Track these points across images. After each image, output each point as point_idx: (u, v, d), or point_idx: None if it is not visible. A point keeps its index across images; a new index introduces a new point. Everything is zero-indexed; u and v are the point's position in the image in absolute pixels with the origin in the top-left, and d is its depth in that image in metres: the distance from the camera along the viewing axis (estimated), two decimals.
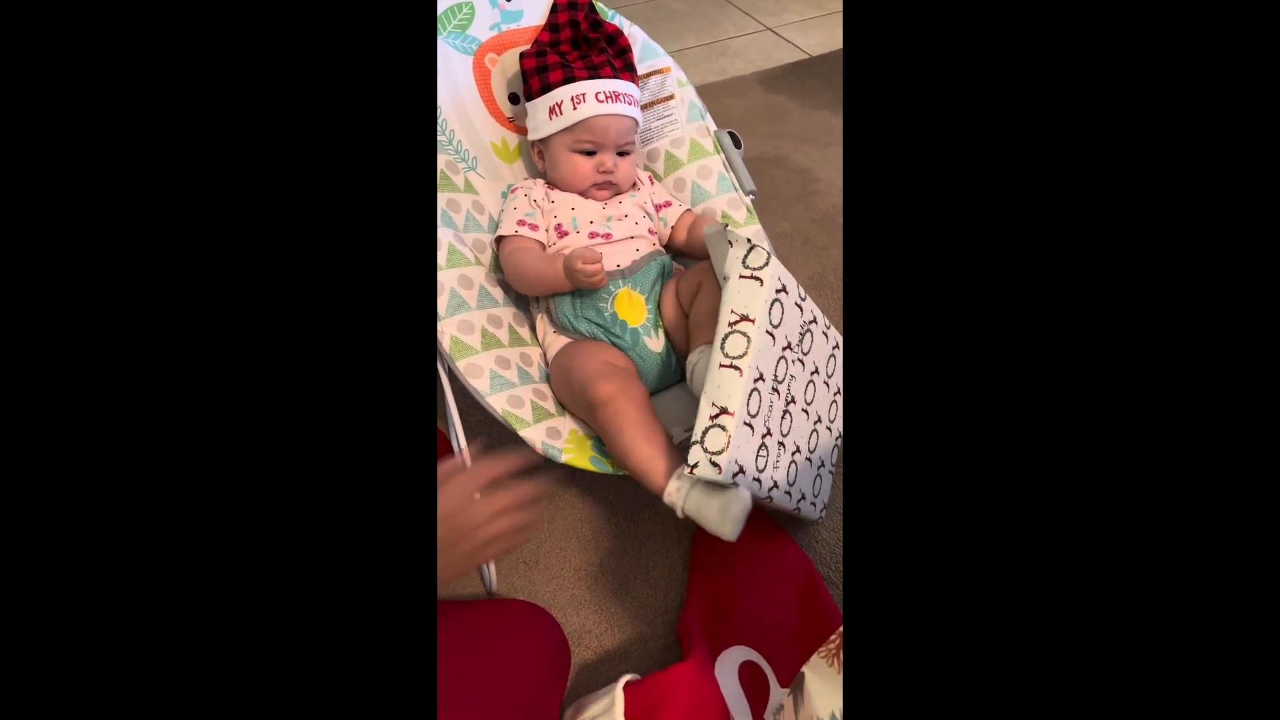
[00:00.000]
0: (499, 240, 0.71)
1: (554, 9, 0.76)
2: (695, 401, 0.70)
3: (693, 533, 0.75)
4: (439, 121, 0.73)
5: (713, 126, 0.80)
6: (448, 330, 0.62)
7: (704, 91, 0.84)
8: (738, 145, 0.79)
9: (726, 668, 0.60)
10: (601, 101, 0.69)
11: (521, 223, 0.70)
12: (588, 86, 0.69)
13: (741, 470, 0.53)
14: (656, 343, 0.71)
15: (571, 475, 0.76)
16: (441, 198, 0.69)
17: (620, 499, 0.78)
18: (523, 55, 0.73)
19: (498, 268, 0.72)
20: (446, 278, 0.64)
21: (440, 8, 0.74)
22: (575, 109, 0.69)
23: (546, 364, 0.71)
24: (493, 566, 0.69)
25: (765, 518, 0.73)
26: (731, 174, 0.79)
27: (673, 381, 0.73)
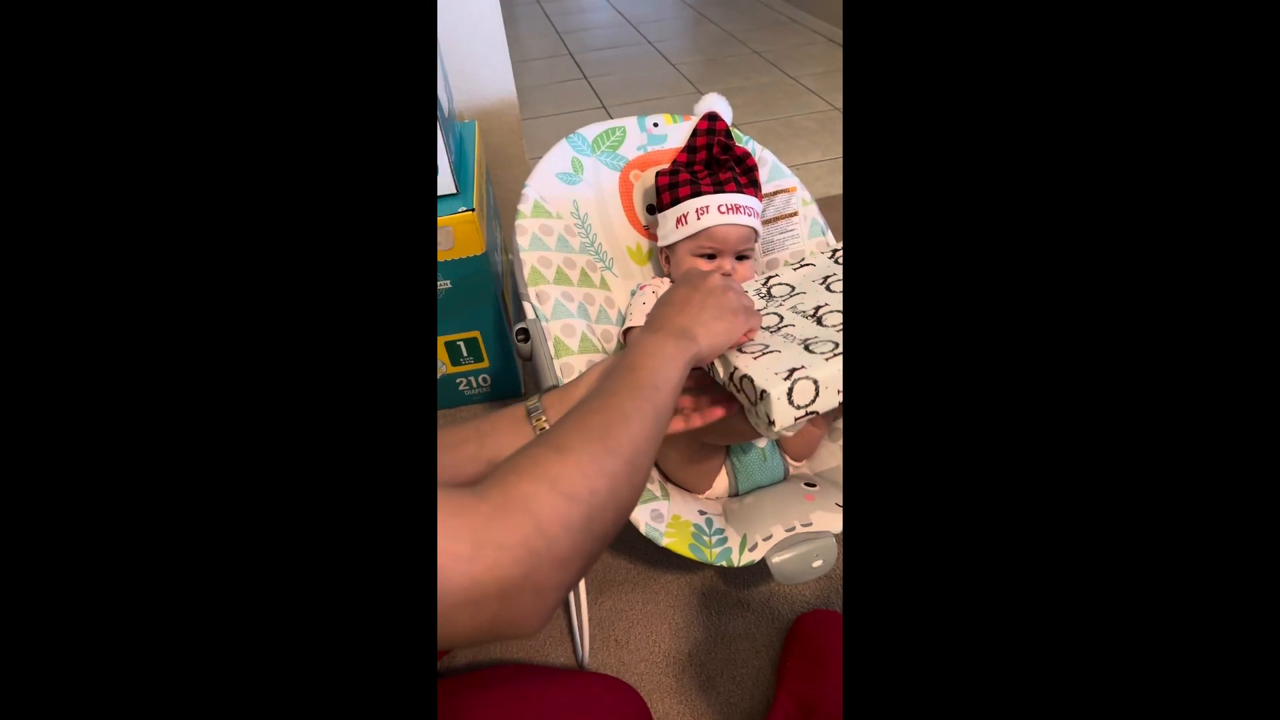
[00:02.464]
0: (626, 331, 0.78)
1: (694, 133, 0.86)
2: (794, 502, 0.71)
3: (783, 638, 0.74)
4: (585, 226, 0.82)
5: (833, 241, 0.85)
6: None
7: (826, 204, 0.90)
8: None
9: None
10: (723, 213, 0.76)
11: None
12: (711, 200, 0.77)
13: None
14: (760, 440, 0.73)
15: (670, 559, 0.79)
16: (579, 292, 0.77)
17: (714, 592, 0.79)
18: (658, 173, 0.82)
19: None
20: (577, 362, 0.71)
21: (597, 131, 0.85)
22: (699, 219, 0.76)
23: None
24: (587, 639, 0.72)
25: None
26: None
27: (772, 480, 0.75)
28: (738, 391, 0.54)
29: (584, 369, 0.71)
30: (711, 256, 0.78)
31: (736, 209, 0.77)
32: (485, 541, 0.32)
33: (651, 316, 0.53)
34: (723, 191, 0.78)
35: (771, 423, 0.50)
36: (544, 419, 0.50)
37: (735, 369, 0.53)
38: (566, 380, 0.70)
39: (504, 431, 0.50)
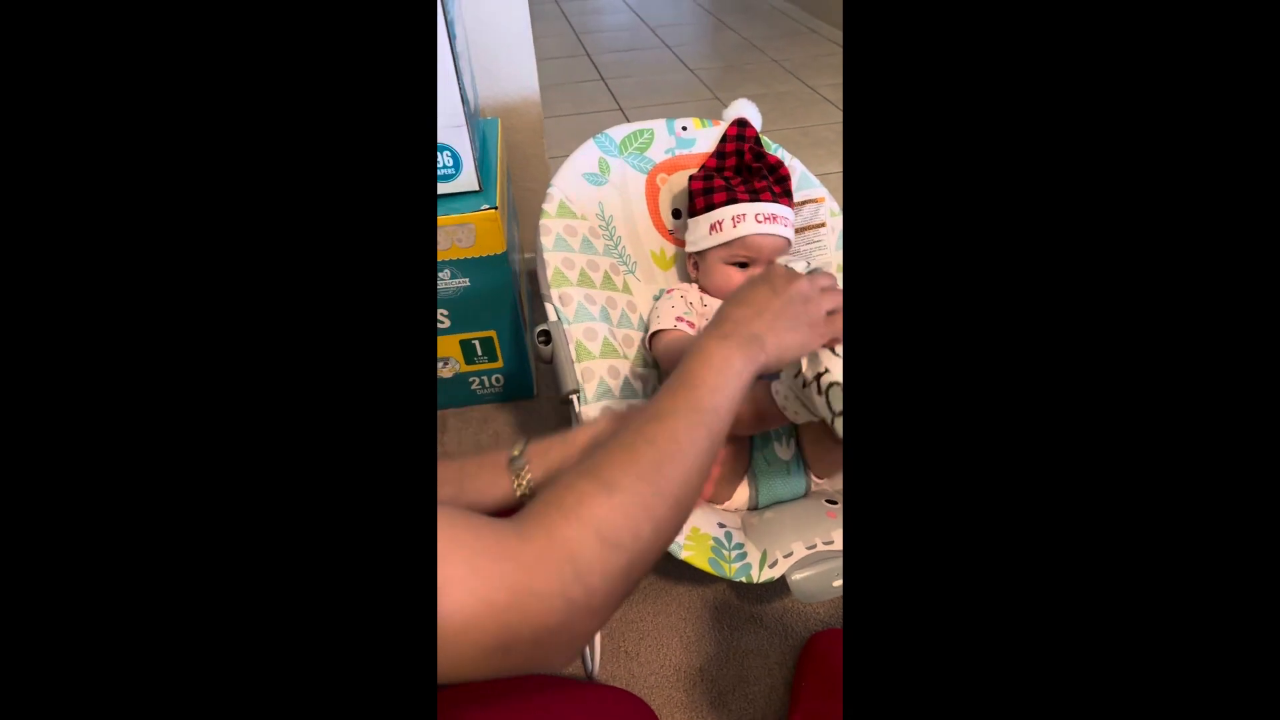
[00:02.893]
0: (654, 335, 0.76)
1: (723, 139, 0.85)
2: (816, 519, 0.70)
3: (797, 656, 0.73)
4: (609, 229, 0.81)
5: None
6: (593, 414, 0.67)
7: None
8: None
9: None
10: (760, 222, 0.75)
11: (680, 319, 0.75)
12: (748, 208, 0.75)
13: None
14: (786, 450, 0.72)
15: (682, 571, 0.77)
16: (602, 295, 0.76)
17: (727, 607, 0.77)
18: (691, 177, 0.81)
19: (642, 363, 0.78)
20: (598, 366, 0.69)
21: (624, 132, 0.84)
22: (735, 227, 0.75)
23: None
24: (597, 650, 0.71)
25: None
26: None
27: (793, 496, 0.74)
28: (817, 393, 0.52)
29: (604, 374, 0.70)
30: (744, 265, 0.77)
31: (774, 218, 0.75)
32: (522, 589, 0.31)
33: (724, 315, 0.48)
34: (759, 200, 0.77)
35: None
36: (526, 474, 0.48)
37: (826, 370, 0.52)
38: (586, 385, 0.69)
39: (485, 479, 0.49)
